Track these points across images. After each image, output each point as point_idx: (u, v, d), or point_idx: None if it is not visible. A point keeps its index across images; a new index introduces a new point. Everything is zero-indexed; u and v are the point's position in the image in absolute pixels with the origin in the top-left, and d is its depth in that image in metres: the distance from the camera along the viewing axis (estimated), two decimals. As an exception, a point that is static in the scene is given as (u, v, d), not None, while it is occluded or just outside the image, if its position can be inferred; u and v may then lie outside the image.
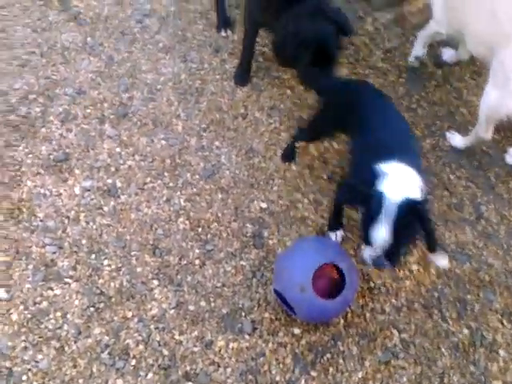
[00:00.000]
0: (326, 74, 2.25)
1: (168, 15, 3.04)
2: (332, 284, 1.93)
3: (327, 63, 2.25)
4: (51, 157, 2.45)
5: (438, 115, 2.63)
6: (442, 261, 2.12)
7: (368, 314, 2.05)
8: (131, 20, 3.02)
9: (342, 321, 2.03)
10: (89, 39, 2.94)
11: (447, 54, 2.79)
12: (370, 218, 1.72)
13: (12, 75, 2.79)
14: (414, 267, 2.19)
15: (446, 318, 2.08)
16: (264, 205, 2.32)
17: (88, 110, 2.63)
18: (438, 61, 2.81)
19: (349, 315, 2.04)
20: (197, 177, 2.40)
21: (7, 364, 1.88)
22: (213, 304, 2.06)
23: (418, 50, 2.77)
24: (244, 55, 2.66)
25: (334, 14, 2.25)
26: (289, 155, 2.45)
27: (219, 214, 2.29)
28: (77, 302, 2.03)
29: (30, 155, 2.46)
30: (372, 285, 2.14)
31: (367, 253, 1.81)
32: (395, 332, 2.03)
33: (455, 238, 2.29)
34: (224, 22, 2.95)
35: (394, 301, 2.11)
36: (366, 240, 1.77)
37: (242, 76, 2.71)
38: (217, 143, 2.51)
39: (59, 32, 2.99)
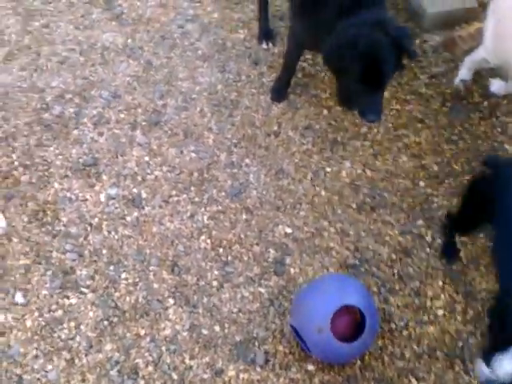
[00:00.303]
0: (372, 93, 2.09)
1: (210, 22, 2.99)
2: (351, 324, 1.86)
3: (377, 81, 2.08)
4: (80, 160, 2.45)
5: (480, 150, 2.50)
6: None
7: (386, 358, 1.97)
8: (173, 24, 2.99)
9: (358, 362, 1.95)
10: (129, 41, 2.92)
11: (496, 86, 2.65)
12: (506, 341, 1.48)
13: (50, 72, 2.81)
14: (440, 312, 2.09)
15: (469, 371, 1.97)
16: (289, 230, 2.26)
17: (121, 115, 2.61)
18: (485, 92, 2.67)
19: (366, 357, 1.96)
20: (223, 194, 2.35)
21: (18, 371, 1.89)
22: (227, 330, 2.01)
23: (464, 73, 2.65)
24: (284, 72, 2.58)
25: (393, 28, 2.05)
26: (450, 253, 2.16)
27: (242, 236, 2.24)
28: (91, 314, 2.02)
29: (60, 157, 2.47)
30: (393, 326, 2.06)
31: (483, 370, 1.58)
32: (413, 380, 1.94)
33: (486, 284, 2.17)
34: (266, 34, 2.88)
35: (415, 347, 2.02)
36: (487, 359, 1.53)
37: (280, 92, 2.64)
38: (247, 160, 2.46)
39: (101, 31, 2.98)
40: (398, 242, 2.22)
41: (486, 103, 2.64)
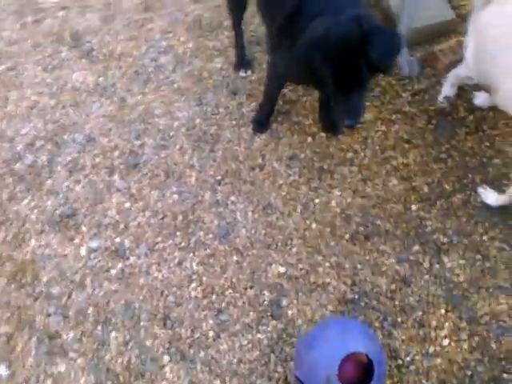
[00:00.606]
0: (348, 95, 1.90)
1: (184, 53, 2.91)
2: (358, 369, 1.76)
3: (351, 81, 1.86)
4: (57, 212, 2.34)
5: (470, 167, 2.44)
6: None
7: (397, 399, 1.88)
8: (145, 58, 2.89)
9: (367, 407, 1.85)
10: (101, 79, 2.82)
11: (480, 98, 2.59)
12: None
13: (20, 118, 2.70)
14: (445, 342, 2.01)
15: (481, 403, 1.89)
16: (282, 269, 2.16)
17: (97, 159, 2.50)
18: (470, 105, 2.61)
19: (375, 400, 1.86)
20: (210, 236, 2.25)
21: None
22: (228, 384, 1.91)
23: (447, 90, 2.58)
24: (265, 103, 2.49)
25: (369, 24, 1.81)
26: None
27: (234, 280, 2.14)
28: (82, 381, 1.91)
29: (35, 210, 2.35)
30: (400, 362, 1.97)
31: None
32: (426, 419, 1.85)
33: (489, 307, 2.10)
34: (243, 61, 2.79)
35: (424, 381, 1.93)
36: None
37: (262, 123, 2.55)
38: (232, 198, 2.36)
39: (71, 70, 2.88)
40: (395, 272, 2.15)
41: (471, 117, 2.59)
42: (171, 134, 2.58)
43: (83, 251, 2.21)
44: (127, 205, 2.34)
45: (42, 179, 2.43)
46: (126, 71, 2.85)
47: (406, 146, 2.51)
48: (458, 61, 2.52)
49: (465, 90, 2.63)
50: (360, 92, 1.95)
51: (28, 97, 2.78)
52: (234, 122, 2.61)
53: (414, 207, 2.31)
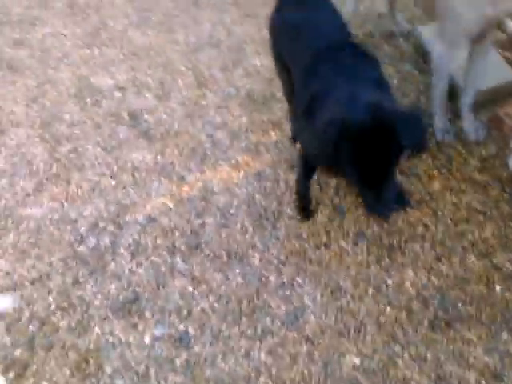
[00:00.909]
0: (380, 193, 1.74)
1: (240, 127, 2.91)
2: None
3: (379, 176, 1.72)
4: (120, 297, 2.28)
5: (555, 239, 2.25)
6: None
7: None
8: (201, 134, 2.91)
9: None
10: (159, 157, 2.83)
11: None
12: None
13: (82, 200, 2.72)
14: None
15: None
16: (357, 360, 2.00)
17: (158, 240, 2.47)
18: (544, 171, 2.46)
19: None
20: (278, 323, 2.13)
21: None
22: None
23: (517, 154, 2.45)
24: (297, 189, 2.41)
25: (388, 112, 1.67)
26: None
27: (305, 372, 1.99)
28: None
29: (99, 295, 2.30)
30: None
31: None
32: None
33: None
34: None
35: None
36: None
37: (302, 208, 2.45)
38: (298, 280, 2.25)
39: (129, 150, 2.92)
40: (484, 364, 1.94)
41: (548, 184, 2.41)
42: (231, 211, 2.53)
43: (147, 339, 2.13)
44: (190, 288, 2.27)
45: (105, 262, 2.40)
46: (183, 149, 2.86)
47: (481, 217, 2.36)
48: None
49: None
50: (390, 181, 1.77)
51: (89, 178, 2.81)
52: (294, 197, 2.53)
53: (497, 287, 2.13)
